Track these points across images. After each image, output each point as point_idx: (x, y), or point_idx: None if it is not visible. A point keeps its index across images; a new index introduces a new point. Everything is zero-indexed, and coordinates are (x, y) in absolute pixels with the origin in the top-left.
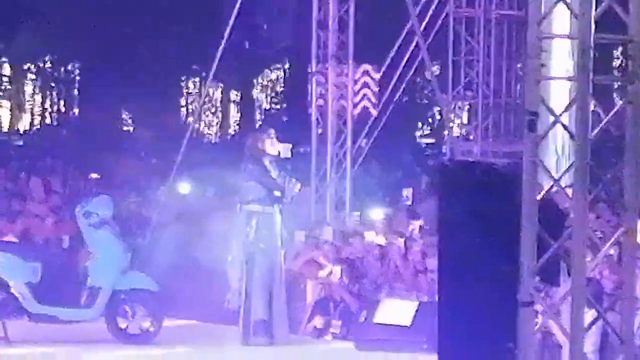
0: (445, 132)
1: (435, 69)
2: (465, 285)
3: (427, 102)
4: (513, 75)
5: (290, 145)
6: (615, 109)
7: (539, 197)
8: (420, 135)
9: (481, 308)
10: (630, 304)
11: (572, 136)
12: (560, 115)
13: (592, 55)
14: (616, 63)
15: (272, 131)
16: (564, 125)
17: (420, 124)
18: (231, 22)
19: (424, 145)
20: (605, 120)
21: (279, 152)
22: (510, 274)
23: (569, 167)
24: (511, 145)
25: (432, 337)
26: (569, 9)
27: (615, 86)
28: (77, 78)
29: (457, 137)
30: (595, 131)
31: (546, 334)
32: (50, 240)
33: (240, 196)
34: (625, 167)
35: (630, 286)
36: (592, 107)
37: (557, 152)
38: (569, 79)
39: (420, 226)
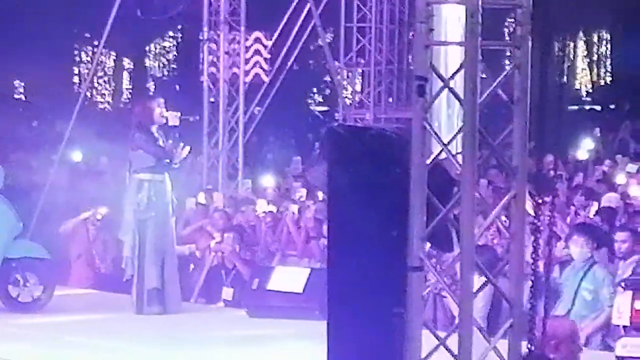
0: (338, 100)
1: (328, 35)
2: (355, 252)
3: (319, 69)
4: (405, 42)
5: (179, 113)
6: (503, 74)
7: (428, 162)
8: (314, 103)
9: (371, 274)
10: (519, 269)
11: (460, 101)
12: (449, 80)
13: (480, 20)
14: (509, 30)
15: (160, 99)
16: (452, 91)
17: (313, 92)
18: None
19: (317, 113)
20: (493, 85)
21: (167, 120)
22: (400, 239)
23: (457, 132)
24: (403, 112)
25: (324, 304)
26: None
27: (508, 53)
28: None
29: (350, 104)
30: (484, 96)
31: (438, 295)
32: None
33: (130, 165)
34: (513, 132)
35: (519, 251)
36: (481, 73)
37: (450, 119)
38: (458, 43)
39: (311, 192)
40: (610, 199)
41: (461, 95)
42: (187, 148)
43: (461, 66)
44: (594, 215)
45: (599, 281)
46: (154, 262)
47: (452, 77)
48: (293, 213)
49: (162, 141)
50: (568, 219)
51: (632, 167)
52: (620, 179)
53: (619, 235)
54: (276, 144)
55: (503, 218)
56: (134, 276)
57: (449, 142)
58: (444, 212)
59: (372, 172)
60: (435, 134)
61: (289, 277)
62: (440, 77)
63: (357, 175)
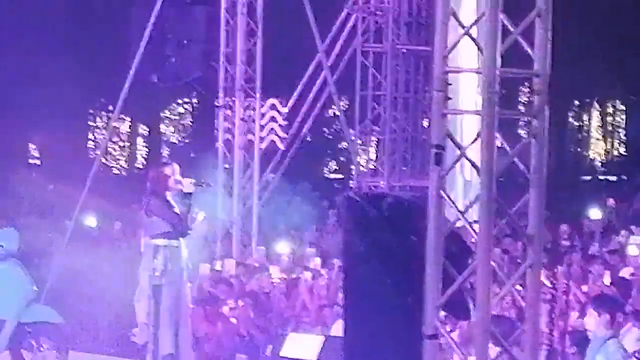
0: (353, 167)
1: (343, 103)
2: (371, 319)
3: (334, 137)
4: (420, 110)
5: (194, 180)
6: (520, 144)
7: (444, 230)
8: (328, 170)
9: (387, 341)
10: (534, 338)
11: (477, 170)
12: (466, 148)
13: (498, 89)
14: (522, 98)
15: (175, 165)
16: (469, 160)
17: (328, 159)
18: (139, 54)
19: (331, 180)
20: (510, 154)
21: (182, 187)
22: (415, 306)
23: (474, 200)
24: (418, 180)
25: None
26: (474, 42)
27: (521, 122)
28: None
29: (364, 172)
30: (501, 165)
31: None
32: None
33: (145, 230)
34: (529, 201)
35: (535, 320)
36: (498, 142)
37: (465, 186)
38: (476, 112)
39: (326, 260)
40: (626, 271)
41: (478, 164)
42: (202, 214)
43: (478, 135)
44: (609, 285)
45: (610, 353)
46: (169, 328)
47: (470, 145)
48: (307, 280)
49: (176, 207)
50: (584, 289)
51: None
52: (632, 250)
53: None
54: (290, 211)
55: (518, 287)
56: (149, 342)
57: (465, 210)
58: (460, 280)
59: (389, 239)
60: (452, 202)
61: (303, 344)
62: (457, 145)
63: (373, 242)
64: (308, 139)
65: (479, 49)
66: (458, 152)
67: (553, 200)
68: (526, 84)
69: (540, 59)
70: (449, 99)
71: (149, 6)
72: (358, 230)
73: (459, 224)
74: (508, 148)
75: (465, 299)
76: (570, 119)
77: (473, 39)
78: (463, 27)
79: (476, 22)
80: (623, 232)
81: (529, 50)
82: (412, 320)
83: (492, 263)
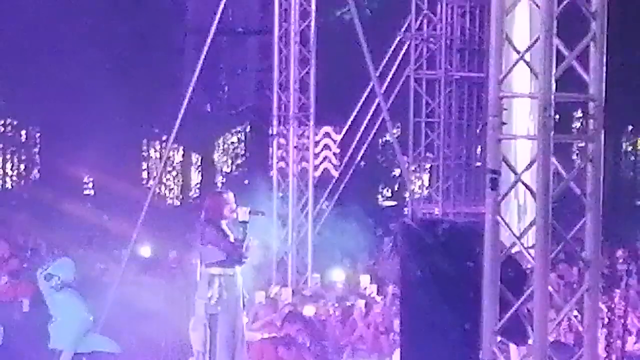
0: (407, 194)
1: (396, 130)
2: (428, 346)
3: (388, 164)
4: (473, 137)
5: (248, 209)
6: (576, 168)
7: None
8: (382, 197)
9: None
10: None
11: (533, 195)
12: (522, 173)
13: (552, 113)
14: (575, 124)
15: (230, 194)
16: (525, 184)
17: (382, 186)
18: (192, 83)
19: (385, 207)
20: (566, 179)
21: (237, 215)
22: (472, 332)
23: (529, 225)
24: (472, 206)
25: None
26: (529, 67)
27: (575, 147)
28: (38, 142)
29: (418, 199)
30: (557, 190)
31: None
32: (11, 303)
33: (201, 258)
34: (586, 226)
35: (593, 345)
36: (553, 166)
37: (519, 211)
38: (530, 137)
39: (381, 288)
40: None
41: (533, 188)
42: (256, 242)
43: (534, 160)
44: None
45: None
46: (225, 356)
47: (525, 170)
48: (361, 308)
49: (231, 236)
50: None
51: None
52: None
53: None
54: (344, 238)
55: (575, 313)
56: None
57: (521, 235)
58: (517, 305)
59: (445, 265)
60: (508, 226)
61: None
62: (513, 170)
63: (429, 268)
64: (362, 165)
65: (533, 73)
66: (513, 176)
67: (608, 225)
68: (580, 109)
69: (595, 83)
70: (504, 124)
71: (202, 35)
72: (414, 256)
73: (515, 249)
74: (564, 172)
75: (522, 325)
76: (625, 143)
77: (528, 64)
78: (517, 52)
79: (531, 47)
80: None
81: (584, 75)
82: (470, 346)
83: (549, 288)
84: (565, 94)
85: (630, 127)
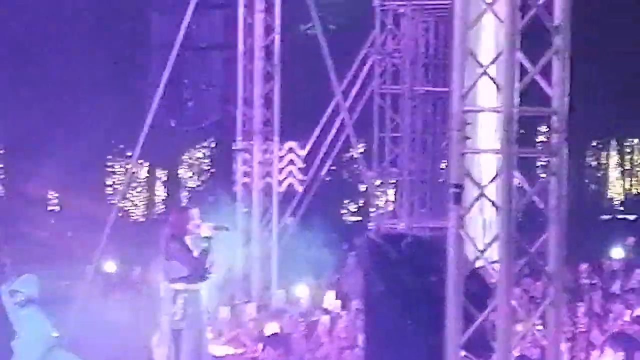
0: (372, 209)
1: (361, 145)
2: (392, 359)
3: (353, 179)
4: (438, 151)
5: (212, 224)
6: (539, 182)
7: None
8: (347, 213)
9: None
10: None
11: (497, 208)
12: (485, 187)
13: (516, 128)
14: (540, 138)
15: (194, 210)
16: (488, 198)
17: (347, 201)
18: (156, 99)
19: (350, 223)
20: (529, 193)
21: (201, 231)
22: (437, 347)
23: (493, 239)
24: (437, 220)
25: None
26: (492, 81)
27: (539, 161)
28: (2, 158)
29: (383, 214)
30: (520, 204)
31: None
32: None
33: (165, 274)
34: (549, 240)
35: (557, 358)
36: (517, 181)
37: (484, 226)
38: (494, 151)
39: (346, 303)
40: None
41: (497, 202)
42: (220, 258)
43: (497, 174)
44: (631, 323)
45: None
46: None
47: (489, 184)
48: (326, 323)
49: (195, 252)
50: (604, 327)
51: None
52: None
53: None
54: (309, 254)
55: (539, 327)
56: None
57: (484, 250)
58: (480, 320)
59: (408, 279)
60: (472, 241)
61: None
62: (476, 184)
63: (393, 282)
64: (327, 180)
65: (497, 87)
66: (477, 191)
67: (573, 239)
68: (544, 123)
69: (558, 97)
70: (467, 138)
71: (166, 51)
72: (378, 271)
73: (478, 264)
74: (527, 187)
75: (486, 339)
76: (589, 158)
77: (491, 78)
78: (481, 66)
79: (494, 61)
80: (638, 270)
81: (547, 89)
82: None
83: (513, 302)
84: (529, 108)
85: (595, 142)
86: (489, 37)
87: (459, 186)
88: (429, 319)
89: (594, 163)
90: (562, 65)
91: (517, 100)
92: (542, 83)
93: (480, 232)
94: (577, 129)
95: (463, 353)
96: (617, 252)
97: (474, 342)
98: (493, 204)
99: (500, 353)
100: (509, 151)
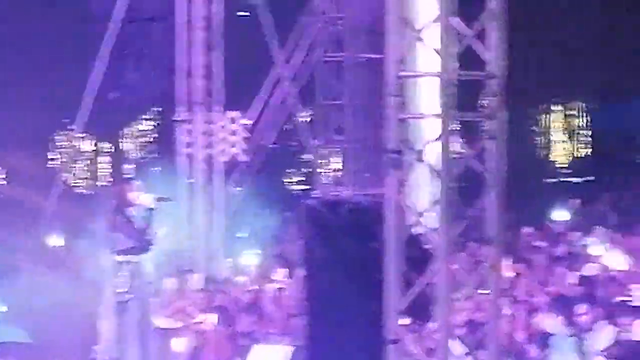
0: (317, 178)
1: (305, 114)
2: (334, 325)
3: (298, 148)
4: (382, 118)
5: (156, 196)
6: (478, 146)
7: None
8: (293, 182)
9: (349, 348)
10: (496, 338)
11: (436, 173)
12: (423, 152)
13: (454, 92)
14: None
15: (137, 182)
16: (427, 163)
17: (292, 170)
18: (98, 72)
19: (296, 192)
20: (467, 156)
21: (145, 203)
22: (377, 312)
23: (433, 204)
24: (381, 187)
25: None
26: (429, 47)
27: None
28: None
29: (328, 182)
30: (459, 168)
31: None
32: None
33: (109, 247)
34: (488, 202)
35: (497, 320)
36: (457, 145)
37: (424, 190)
38: (434, 116)
39: (292, 271)
40: (589, 269)
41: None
42: (164, 229)
43: (436, 138)
44: (575, 285)
45: (565, 350)
46: (135, 343)
47: (426, 149)
48: (272, 292)
49: (139, 223)
50: (549, 291)
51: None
52: (597, 249)
53: (580, 308)
54: (255, 223)
55: (485, 291)
56: (114, 358)
57: (422, 214)
58: (420, 285)
59: (348, 245)
60: (410, 206)
61: (270, 355)
62: (413, 149)
63: (333, 249)
64: (272, 149)
65: (435, 52)
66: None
67: (518, 204)
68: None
69: (495, 61)
70: (404, 103)
71: (107, 23)
72: (318, 238)
73: (419, 230)
74: (466, 150)
75: (427, 303)
76: (534, 123)
77: (426, 44)
78: (415, 31)
79: (428, 26)
80: (577, 234)
81: (484, 53)
82: (375, 326)
83: (455, 266)
84: (466, 72)
85: (544, 106)
86: (426, 3)
87: (397, 152)
88: (369, 285)
89: (538, 127)
90: (498, 29)
91: (454, 64)
92: (480, 47)
93: (423, 198)
94: (520, 93)
95: (406, 317)
96: (561, 215)
97: (415, 306)
98: (432, 168)
99: (440, 317)
100: (447, 115)
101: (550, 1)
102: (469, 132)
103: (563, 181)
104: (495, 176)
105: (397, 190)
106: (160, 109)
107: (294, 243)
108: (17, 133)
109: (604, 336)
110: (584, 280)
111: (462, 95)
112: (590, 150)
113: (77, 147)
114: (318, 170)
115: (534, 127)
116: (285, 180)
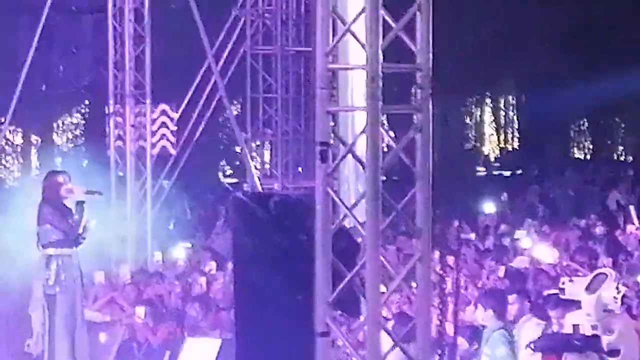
0: (247, 171)
1: (235, 107)
2: (262, 319)
3: (229, 141)
4: (311, 111)
5: (85, 188)
6: (405, 138)
7: (332, 227)
8: (223, 175)
9: (278, 341)
10: (425, 331)
11: (363, 166)
12: (352, 145)
13: (380, 84)
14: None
15: (66, 174)
16: (355, 156)
17: (222, 163)
18: (27, 64)
19: (227, 185)
20: (395, 149)
21: (74, 195)
22: (306, 305)
23: (361, 196)
24: (311, 180)
25: None
26: (356, 39)
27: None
28: None
29: (258, 175)
30: (386, 160)
31: None
32: None
33: (38, 240)
34: (416, 195)
35: (426, 313)
36: (386, 138)
37: (354, 183)
38: (360, 108)
39: (222, 264)
40: (519, 262)
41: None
42: (94, 222)
43: (363, 131)
44: (504, 278)
45: (495, 342)
46: (65, 337)
47: (355, 141)
48: (202, 285)
49: (69, 216)
50: (479, 283)
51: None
52: (526, 242)
53: (510, 298)
54: (185, 215)
55: (414, 285)
56: (44, 352)
57: (352, 207)
58: (349, 277)
59: (277, 238)
60: (338, 199)
61: (200, 349)
62: (342, 142)
63: (261, 242)
64: (202, 142)
65: (361, 45)
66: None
67: (447, 196)
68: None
69: (422, 53)
70: (333, 96)
71: (36, 14)
72: (246, 231)
73: (348, 222)
74: (393, 143)
75: (356, 296)
76: (463, 115)
77: (355, 36)
78: (344, 23)
79: (356, 18)
80: (503, 226)
81: (411, 45)
82: (304, 319)
83: (382, 259)
84: (392, 65)
85: (475, 98)
86: None
87: (325, 144)
88: (299, 277)
89: (468, 120)
90: (424, 21)
91: (381, 57)
92: (406, 39)
93: (353, 191)
94: (451, 87)
95: (336, 310)
96: (491, 208)
97: (344, 299)
98: (359, 161)
99: (369, 310)
100: (374, 108)
101: None
102: (403, 125)
103: (493, 174)
104: (423, 168)
105: (326, 183)
106: (90, 102)
107: (224, 236)
108: None
109: (531, 329)
110: (513, 273)
111: (399, 89)
112: (518, 143)
113: (7, 140)
114: (249, 163)
115: (464, 120)
116: (215, 172)
